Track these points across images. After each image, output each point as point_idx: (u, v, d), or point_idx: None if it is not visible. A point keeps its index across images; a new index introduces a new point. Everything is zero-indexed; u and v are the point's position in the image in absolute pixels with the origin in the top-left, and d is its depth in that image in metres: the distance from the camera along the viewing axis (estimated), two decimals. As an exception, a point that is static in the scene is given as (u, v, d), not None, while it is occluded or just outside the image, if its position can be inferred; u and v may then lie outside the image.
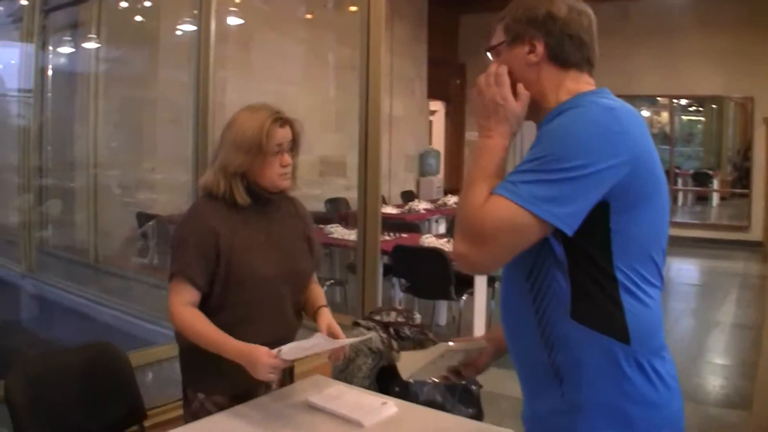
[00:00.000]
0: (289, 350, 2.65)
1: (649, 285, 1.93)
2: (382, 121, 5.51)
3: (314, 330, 2.96)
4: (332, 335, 2.85)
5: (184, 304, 2.78)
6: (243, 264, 2.82)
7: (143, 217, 8.91)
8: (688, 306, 10.11)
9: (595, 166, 1.76)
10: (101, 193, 8.65)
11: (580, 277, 1.86)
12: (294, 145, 2.95)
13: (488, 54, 2.11)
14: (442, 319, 8.07)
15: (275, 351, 2.60)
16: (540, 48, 1.99)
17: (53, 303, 7.29)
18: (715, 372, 6.93)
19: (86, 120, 8.63)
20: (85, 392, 3.03)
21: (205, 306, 2.82)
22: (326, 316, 2.98)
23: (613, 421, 1.88)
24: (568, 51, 2.01)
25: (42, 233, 8.34)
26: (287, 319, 2.99)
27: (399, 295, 7.65)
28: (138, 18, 9.72)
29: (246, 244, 2.86)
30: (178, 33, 9.03)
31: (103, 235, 8.65)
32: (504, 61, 2.03)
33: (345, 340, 2.87)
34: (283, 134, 2.86)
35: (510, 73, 2.00)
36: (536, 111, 2.02)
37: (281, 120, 2.86)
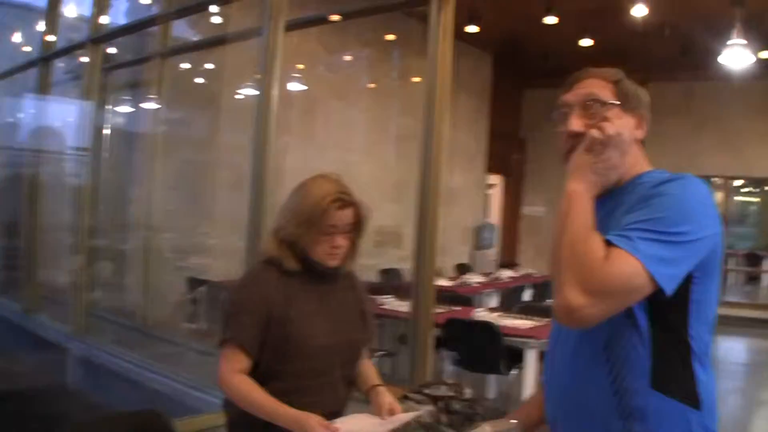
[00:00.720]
0: (341, 423, 2.63)
1: (709, 353, 1.98)
2: (440, 194, 5.49)
3: (363, 402, 2.94)
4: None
5: (236, 372, 2.75)
6: (295, 333, 2.78)
7: (194, 282, 8.93)
8: (735, 385, 10.03)
9: (698, 233, 1.85)
10: (154, 257, 8.67)
11: (661, 345, 1.90)
12: (356, 228, 2.91)
13: (591, 103, 2.08)
14: (492, 393, 7.99)
15: (329, 422, 2.58)
16: (645, 127, 2.12)
17: (100, 366, 7.26)
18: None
19: (143, 181, 8.70)
20: None
21: (254, 375, 2.78)
22: (387, 396, 2.94)
23: None
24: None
25: (92, 294, 8.35)
26: (337, 391, 2.94)
27: (449, 368, 7.59)
28: (200, 80, 9.85)
29: (299, 314, 2.82)
30: (240, 96, 9.13)
31: (153, 298, 8.65)
32: (615, 123, 2.02)
33: (402, 416, 2.84)
34: (341, 216, 2.81)
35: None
36: (611, 183, 2.05)
37: (342, 202, 2.81)
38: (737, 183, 17.08)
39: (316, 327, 2.84)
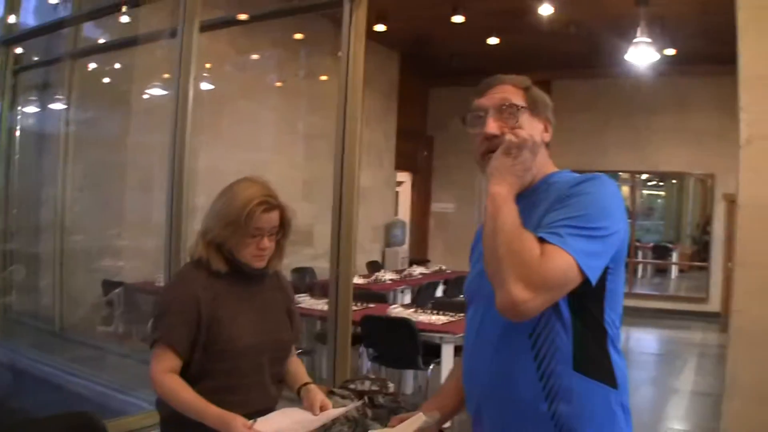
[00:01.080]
0: (265, 421, 2.68)
1: (620, 338, 2.17)
2: (355, 192, 5.52)
3: (294, 400, 3.00)
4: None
5: (166, 371, 2.78)
6: (224, 333, 2.82)
7: (109, 285, 8.81)
8: (648, 375, 10.31)
9: (614, 228, 2.03)
10: (67, 259, 8.54)
11: (581, 331, 2.05)
12: (282, 230, 2.98)
13: (506, 108, 2.21)
14: (409, 388, 8.09)
15: (251, 422, 2.63)
16: (551, 131, 2.29)
17: (21, 372, 7.13)
18: (674, 437, 7.04)
19: (54, 183, 8.56)
20: None
21: (185, 374, 2.82)
22: (318, 393, 3.00)
23: None
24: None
25: (7, 298, 8.21)
26: (267, 390, 2.99)
27: (367, 365, 7.67)
28: (110, 80, 9.73)
29: (227, 314, 2.86)
30: (147, 97, 9.06)
31: (68, 302, 8.52)
32: (525, 126, 2.18)
33: (332, 412, 2.91)
34: (267, 219, 2.87)
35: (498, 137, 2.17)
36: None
37: (268, 205, 2.87)
38: (644, 177, 17.41)
39: (242, 327, 2.89)
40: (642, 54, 10.33)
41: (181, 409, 2.74)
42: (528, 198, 2.16)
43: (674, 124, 15.09)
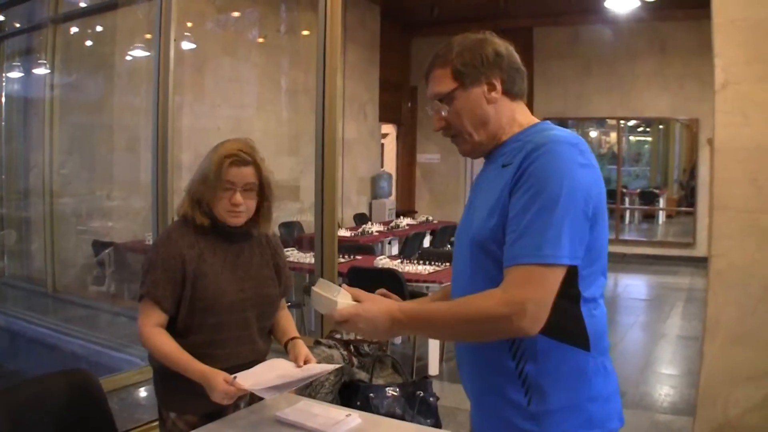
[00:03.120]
0: (246, 375, 2.74)
1: (600, 295, 2.14)
2: (336, 145, 5.57)
3: (282, 354, 3.06)
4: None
5: (152, 325, 2.84)
6: (208, 288, 2.88)
7: (99, 245, 8.89)
8: (636, 319, 10.37)
9: (575, 193, 1.97)
10: (57, 222, 8.61)
11: None
12: (260, 188, 2.99)
13: (436, 102, 2.25)
14: (397, 339, 8.17)
15: (232, 377, 2.69)
16: (498, 85, 2.19)
17: (15, 334, 7.23)
18: (661, 381, 7.13)
19: (41, 147, 8.60)
20: (63, 419, 3.00)
21: (173, 328, 2.88)
22: (302, 348, 3.03)
23: (578, 421, 2.08)
24: (517, 83, 2.22)
25: (-1, 263, 8.29)
26: (255, 343, 3.05)
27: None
28: (91, 43, 9.71)
29: (212, 270, 2.91)
30: (129, 58, 9.07)
31: (60, 264, 8.60)
32: (460, 105, 2.20)
33: (315, 367, 2.95)
34: (238, 173, 2.89)
35: (460, 116, 2.21)
36: (489, 145, 2.24)
37: (238, 158, 2.89)
38: (631, 123, 17.40)
39: (227, 283, 2.95)
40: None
41: (166, 363, 2.81)
42: (495, 160, 2.21)
43: (656, 69, 15.07)
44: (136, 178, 8.71)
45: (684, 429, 5.69)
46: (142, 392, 3.05)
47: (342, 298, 2.20)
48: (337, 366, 3.12)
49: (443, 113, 2.24)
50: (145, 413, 3.06)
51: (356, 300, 2.21)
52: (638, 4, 10.67)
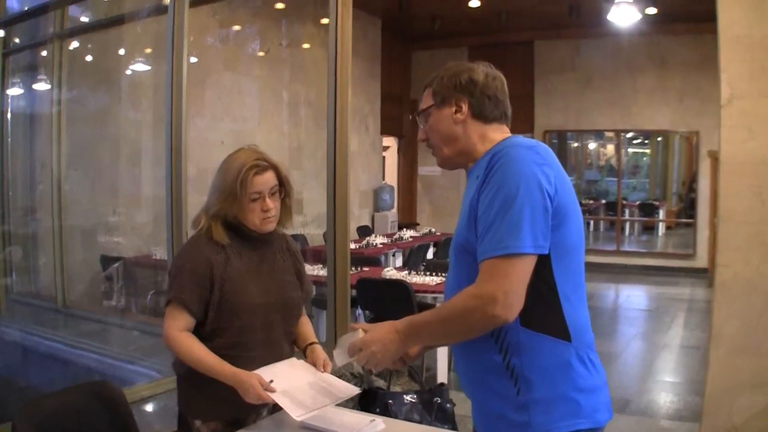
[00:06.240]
0: (270, 370, 2.83)
1: (580, 290, 2.34)
2: (347, 159, 5.62)
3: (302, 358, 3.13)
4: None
5: (180, 330, 2.90)
6: (234, 292, 2.93)
7: (107, 260, 8.92)
8: (638, 330, 10.50)
9: (534, 194, 2.16)
10: (65, 237, 8.61)
11: (528, 289, 2.16)
12: (282, 189, 3.07)
13: (418, 117, 2.54)
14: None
15: (268, 380, 2.75)
16: (465, 107, 2.43)
17: (28, 350, 7.24)
18: (665, 389, 7.22)
19: (47, 163, 8.63)
20: (88, 429, 3.06)
21: (200, 332, 2.94)
22: (321, 354, 3.12)
23: (565, 410, 2.23)
24: (487, 108, 2.44)
25: (7, 279, 8.30)
26: (280, 347, 3.11)
27: (364, 326, 7.78)
28: (96, 59, 9.75)
29: (238, 273, 2.97)
30: (128, 72, 9.12)
31: (68, 279, 8.60)
32: (433, 122, 2.48)
33: (333, 379, 3.02)
34: (262, 181, 2.96)
35: (433, 131, 2.49)
36: (465, 160, 2.47)
37: (259, 167, 2.95)
38: (629, 135, 17.36)
39: (253, 287, 3.01)
40: (624, 13, 10.38)
41: (196, 366, 2.86)
42: (471, 174, 2.41)
43: (657, 83, 15.13)
44: (138, 193, 8.76)
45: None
46: (159, 404, 3.09)
47: (349, 338, 2.48)
48: (358, 391, 3.17)
49: (421, 126, 2.54)
50: (165, 422, 3.09)
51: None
52: (639, 17, 10.73)
